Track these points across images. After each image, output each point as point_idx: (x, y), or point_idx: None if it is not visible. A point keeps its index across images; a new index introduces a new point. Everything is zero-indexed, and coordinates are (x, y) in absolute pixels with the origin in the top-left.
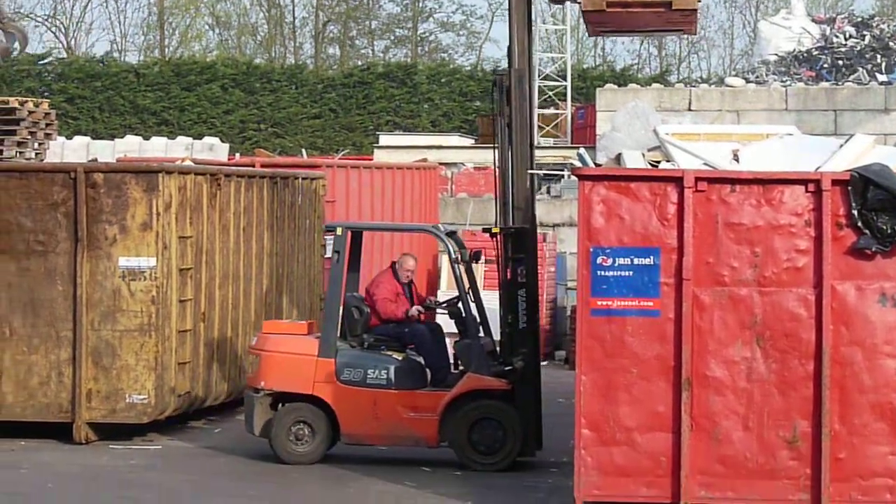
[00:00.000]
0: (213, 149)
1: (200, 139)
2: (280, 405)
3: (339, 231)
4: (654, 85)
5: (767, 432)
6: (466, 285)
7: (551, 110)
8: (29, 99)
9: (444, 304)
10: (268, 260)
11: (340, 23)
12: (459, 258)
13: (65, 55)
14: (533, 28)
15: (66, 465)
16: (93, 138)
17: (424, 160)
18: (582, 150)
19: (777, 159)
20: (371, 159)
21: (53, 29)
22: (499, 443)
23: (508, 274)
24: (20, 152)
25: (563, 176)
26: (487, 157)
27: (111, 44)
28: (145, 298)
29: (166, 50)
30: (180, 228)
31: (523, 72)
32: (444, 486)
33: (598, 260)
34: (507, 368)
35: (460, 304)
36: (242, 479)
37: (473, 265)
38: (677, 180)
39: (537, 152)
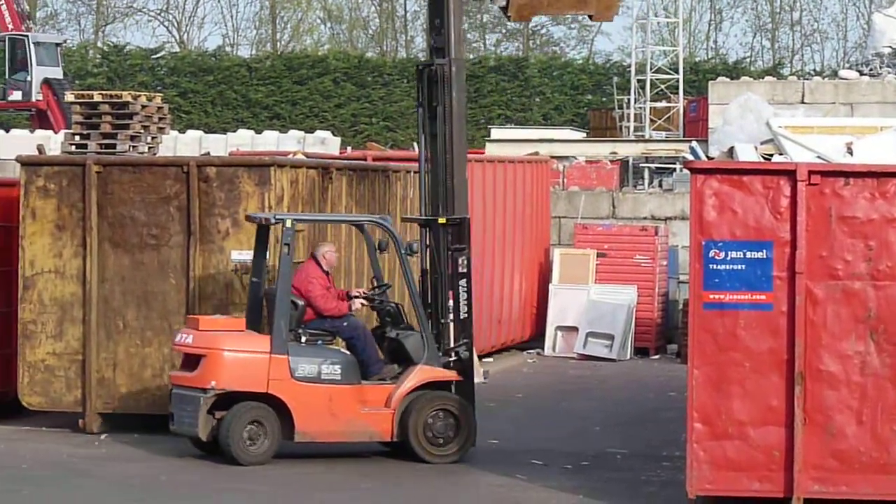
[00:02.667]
0: (325, 142)
1: (312, 133)
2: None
3: (289, 223)
4: (767, 78)
5: (881, 426)
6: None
7: (663, 103)
8: (142, 93)
9: (376, 295)
10: (379, 253)
11: None
12: (408, 250)
13: (177, 50)
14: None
15: (178, 458)
16: (205, 132)
17: (536, 154)
18: (694, 144)
19: (891, 152)
20: (482, 153)
21: (166, 23)
22: (453, 434)
23: (450, 265)
24: (133, 146)
25: (674, 169)
26: (599, 150)
27: (223, 38)
28: None
29: (278, 44)
30: None
31: (461, 61)
32: (555, 479)
33: (711, 253)
34: (452, 359)
35: (414, 298)
36: (356, 472)
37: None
38: (790, 174)
39: (650, 145)
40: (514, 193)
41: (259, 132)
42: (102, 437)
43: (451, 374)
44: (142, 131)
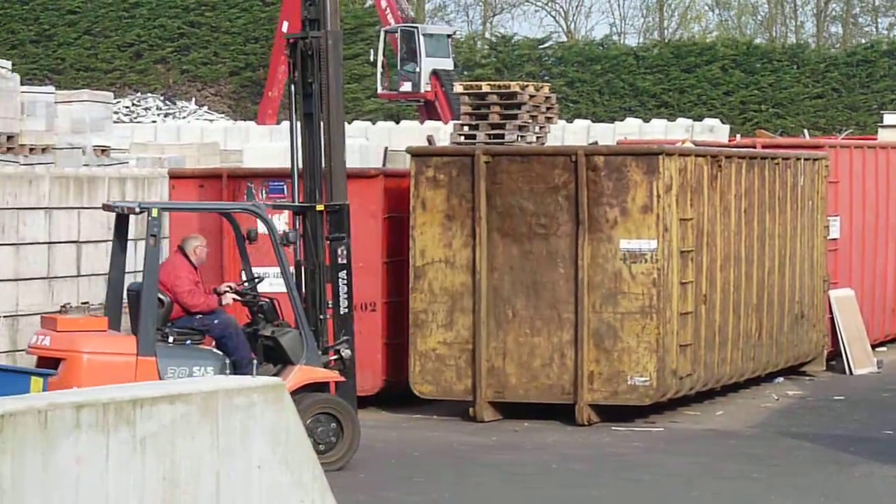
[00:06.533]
0: (714, 130)
1: (700, 121)
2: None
3: (154, 213)
4: None
5: None
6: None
7: None
8: (530, 83)
9: (247, 290)
10: (769, 242)
11: (843, 0)
12: (284, 240)
13: (564, 39)
14: None
15: (568, 447)
16: (593, 121)
17: None
18: None
19: None
20: (875, 139)
21: (553, 13)
22: (335, 440)
23: (327, 255)
24: (521, 136)
25: None
26: None
27: (610, 27)
28: (646, 281)
29: (665, 32)
30: (681, 210)
31: (338, 33)
32: None
33: None
34: (333, 358)
35: (291, 292)
36: (748, 461)
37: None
38: None
39: None
40: None
41: (647, 121)
42: (517, 430)
43: (333, 375)
44: (530, 121)
